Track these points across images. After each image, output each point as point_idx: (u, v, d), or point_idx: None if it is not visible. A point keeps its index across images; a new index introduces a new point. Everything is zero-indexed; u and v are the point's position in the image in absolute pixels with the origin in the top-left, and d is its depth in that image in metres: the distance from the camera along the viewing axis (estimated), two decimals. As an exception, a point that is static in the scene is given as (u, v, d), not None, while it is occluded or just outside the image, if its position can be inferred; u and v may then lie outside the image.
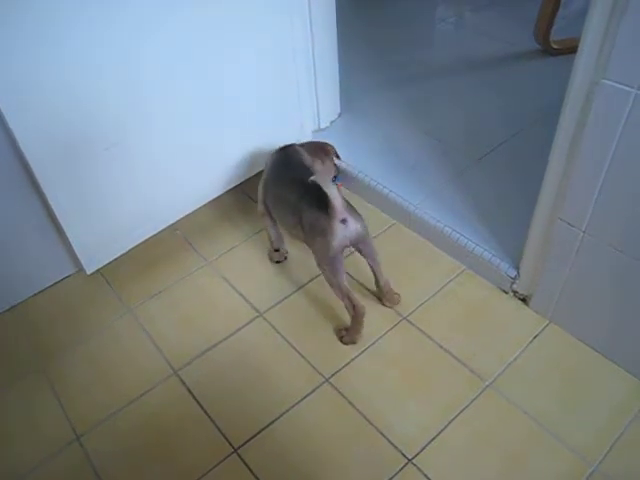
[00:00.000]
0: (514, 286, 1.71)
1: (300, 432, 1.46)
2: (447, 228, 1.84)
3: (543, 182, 1.47)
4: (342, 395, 1.53)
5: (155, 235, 1.90)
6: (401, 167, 2.09)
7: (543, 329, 1.64)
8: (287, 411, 1.51)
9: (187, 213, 1.96)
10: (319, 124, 2.27)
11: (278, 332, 1.70)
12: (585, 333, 1.60)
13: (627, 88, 1.16)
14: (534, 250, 1.59)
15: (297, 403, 1.52)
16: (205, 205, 2.00)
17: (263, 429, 1.48)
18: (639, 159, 1.23)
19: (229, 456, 1.43)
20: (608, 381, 1.53)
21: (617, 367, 1.54)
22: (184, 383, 1.60)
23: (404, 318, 1.70)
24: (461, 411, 1.48)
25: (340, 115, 2.36)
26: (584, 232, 1.41)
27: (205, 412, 1.53)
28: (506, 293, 1.74)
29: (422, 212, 1.90)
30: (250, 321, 1.74)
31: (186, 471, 1.42)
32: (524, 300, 1.71)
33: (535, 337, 1.62)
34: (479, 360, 1.58)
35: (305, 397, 1.53)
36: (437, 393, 1.52)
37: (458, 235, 1.81)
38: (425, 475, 1.36)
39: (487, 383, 1.53)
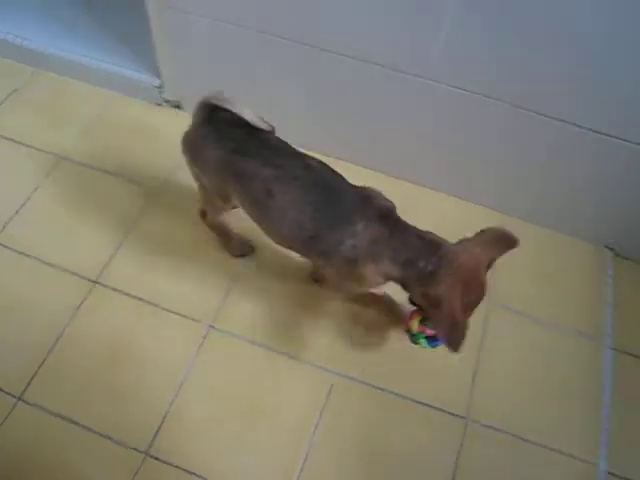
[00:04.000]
0: (164, 95, 1.72)
1: None
2: (86, 59, 1.75)
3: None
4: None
5: None
6: (29, 9, 1.89)
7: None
8: None
9: None
10: None
11: None
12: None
13: None
14: (163, 49, 1.59)
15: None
16: None
17: None
18: None
19: None
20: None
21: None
22: None
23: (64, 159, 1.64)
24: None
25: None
26: (191, 14, 1.44)
27: None
28: (160, 105, 1.75)
29: (59, 51, 1.77)
30: None
31: None
32: (178, 107, 1.74)
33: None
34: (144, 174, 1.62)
35: None
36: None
37: (99, 63, 1.74)
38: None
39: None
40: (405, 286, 1.13)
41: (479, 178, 1.57)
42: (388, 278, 1.11)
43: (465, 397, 1.34)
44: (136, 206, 1.54)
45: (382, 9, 1.24)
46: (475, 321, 1.15)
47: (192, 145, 1.18)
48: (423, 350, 1.23)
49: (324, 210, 1.08)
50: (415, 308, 1.22)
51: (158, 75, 1.68)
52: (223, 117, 1.11)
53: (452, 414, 1.32)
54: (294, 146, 1.16)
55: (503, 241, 1.08)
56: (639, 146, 1.29)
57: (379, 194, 1.13)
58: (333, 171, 1.14)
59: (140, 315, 1.38)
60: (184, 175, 1.58)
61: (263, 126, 1.12)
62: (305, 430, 1.27)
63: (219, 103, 1.10)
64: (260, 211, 1.15)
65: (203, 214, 1.39)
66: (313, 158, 1.14)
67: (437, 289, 1.03)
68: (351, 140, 1.60)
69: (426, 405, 1.32)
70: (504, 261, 1.09)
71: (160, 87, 1.70)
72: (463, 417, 1.31)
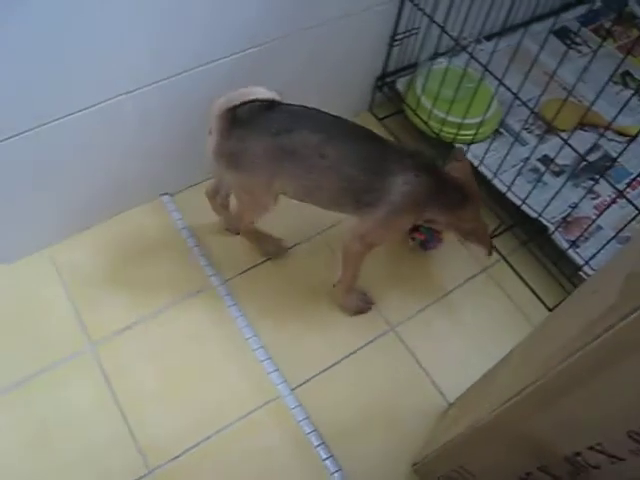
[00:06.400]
0: None
1: None
2: None
3: None
4: None
5: None
6: None
7: None
8: None
9: None
10: None
11: None
12: None
13: None
14: None
15: None
16: None
17: None
18: None
19: None
20: None
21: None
22: None
23: None
24: None
25: None
26: None
27: None
28: None
29: None
30: None
31: None
32: None
33: None
34: None
35: None
36: None
37: None
38: None
39: None
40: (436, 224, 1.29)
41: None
42: (428, 221, 1.27)
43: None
44: None
45: None
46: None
47: (231, 152, 1.19)
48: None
49: (374, 161, 1.17)
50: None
51: None
52: (240, 113, 1.15)
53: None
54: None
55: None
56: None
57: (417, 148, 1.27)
58: (371, 131, 1.23)
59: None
60: None
61: (278, 97, 1.15)
62: None
63: (237, 101, 1.12)
64: (314, 177, 1.20)
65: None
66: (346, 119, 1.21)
67: (468, 221, 1.24)
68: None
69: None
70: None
71: None
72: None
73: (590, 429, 0.72)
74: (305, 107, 1.19)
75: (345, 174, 1.18)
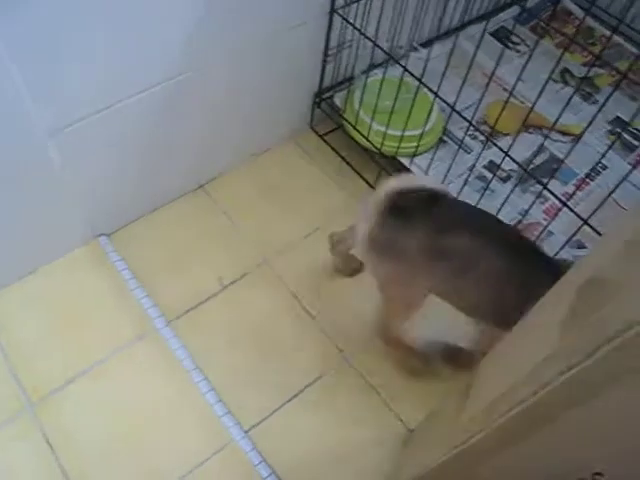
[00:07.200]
0: None
1: None
2: None
3: None
4: None
5: None
6: None
7: None
8: None
9: None
10: None
11: None
12: None
13: None
14: None
15: None
16: None
17: None
18: None
19: None
20: None
21: None
22: None
23: None
24: None
25: None
26: None
27: None
28: None
29: None
30: None
31: None
32: None
33: None
34: None
35: None
36: None
37: None
38: None
39: None
40: None
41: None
42: None
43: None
44: None
45: None
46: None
47: (382, 242, 1.12)
48: None
49: (530, 278, 1.04)
50: None
51: None
52: (401, 202, 1.08)
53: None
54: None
55: None
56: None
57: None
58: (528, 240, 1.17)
59: None
60: None
61: (444, 189, 1.12)
62: None
63: (407, 186, 1.07)
64: (461, 284, 1.11)
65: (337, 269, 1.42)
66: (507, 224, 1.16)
67: None
68: None
69: None
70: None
71: None
72: None
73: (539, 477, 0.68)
74: (469, 206, 1.16)
75: (493, 287, 1.09)
